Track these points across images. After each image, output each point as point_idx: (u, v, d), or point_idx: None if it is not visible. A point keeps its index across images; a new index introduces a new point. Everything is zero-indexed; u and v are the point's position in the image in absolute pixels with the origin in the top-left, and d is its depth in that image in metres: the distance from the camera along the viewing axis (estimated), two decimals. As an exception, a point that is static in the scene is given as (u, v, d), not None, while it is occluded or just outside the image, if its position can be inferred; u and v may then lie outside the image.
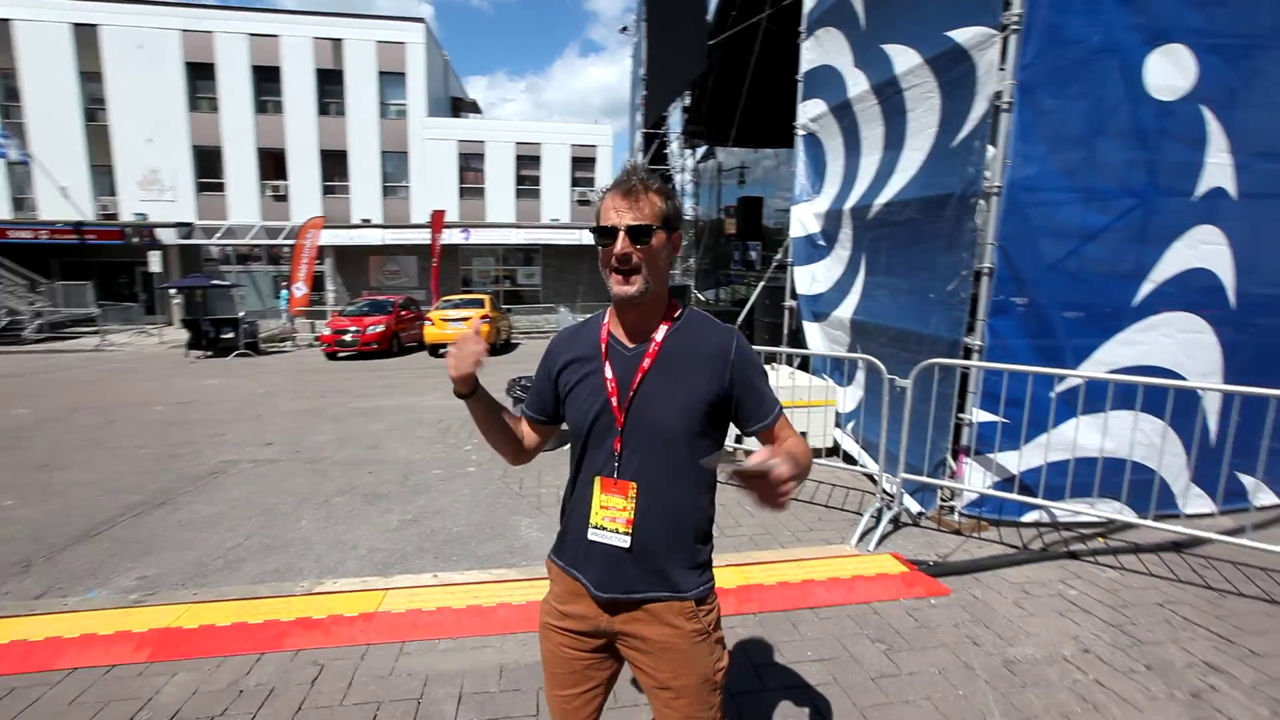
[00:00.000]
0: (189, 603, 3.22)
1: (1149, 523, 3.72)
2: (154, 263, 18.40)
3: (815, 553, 3.78)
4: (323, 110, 24.22)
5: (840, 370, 5.80)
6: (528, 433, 1.57)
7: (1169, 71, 3.98)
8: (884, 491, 4.25)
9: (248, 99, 23.60)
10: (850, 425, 5.64)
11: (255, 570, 3.68)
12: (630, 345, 1.38)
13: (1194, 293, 4.19)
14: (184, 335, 15.75)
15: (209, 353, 15.09)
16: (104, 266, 22.90)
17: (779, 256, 8.12)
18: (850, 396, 5.59)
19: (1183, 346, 4.20)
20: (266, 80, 23.77)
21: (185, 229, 23.09)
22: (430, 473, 5.52)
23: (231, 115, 23.52)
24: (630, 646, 1.41)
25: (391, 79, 24.57)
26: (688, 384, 1.33)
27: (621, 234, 1.27)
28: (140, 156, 23.16)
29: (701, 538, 1.41)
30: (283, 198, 24.24)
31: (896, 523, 4.18)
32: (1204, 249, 4.18)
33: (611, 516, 1.35)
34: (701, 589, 1.39)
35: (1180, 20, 3.97)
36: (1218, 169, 4.12)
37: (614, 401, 1.35)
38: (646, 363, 1.35)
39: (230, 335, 14.97)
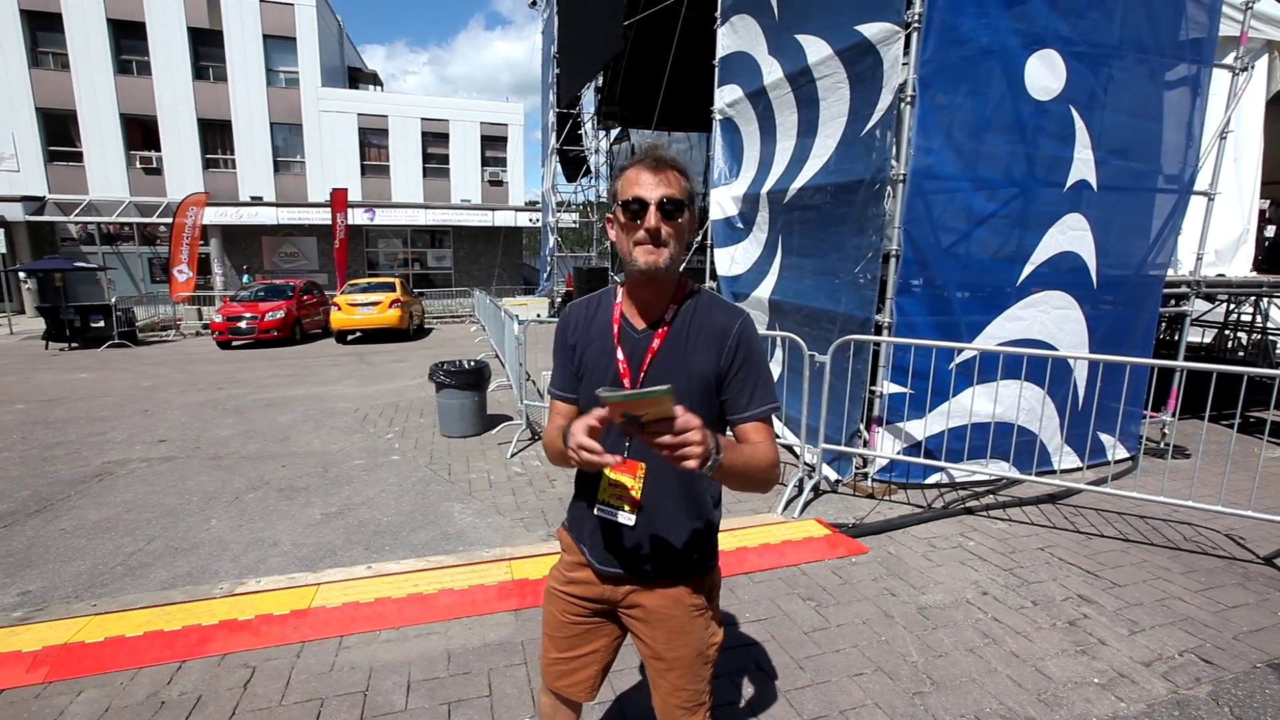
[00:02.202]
0: (90, 615, 2.94)
1: (1031, 478, 4.22)
2: (-4, 242, 16.16)
3: (746, 522, 3.99)
4: (199, 74, 21.93)
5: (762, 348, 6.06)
6: (566, 412, 1.46)
7: (1044, 74, 4.41)
8: (805, 462, 4.53)
9: (105, 57, 20.88)
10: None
11: (163, 575, 3.41)
12: (641, 326, 1.37)
13: (1064, 273, 4.72)
14: (41, 325, 13.99)
15: (74, 344, 13.50)
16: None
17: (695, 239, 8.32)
18: (770, 374, 5.86)
19: (1056, 321, 4.74)
20: (128, 37, 21.13)
21: (34, 204, 20.35)
22: (351, 463, 5.28)
23: (86, 75, 20.76)
24: (630, 615, 1.45)
25: (279, 43, 22.58)
26: (692, 365, 1.33)
27: (653, 207, 1.25)
28: (-33, 118, 20.09)
29: (706, 518, 1.42)
30: (156, 171, 21.81)
31: (817, 490, 4.48)
32: (1072, 234, 4.71)
33: (619, 494, 1.36)
34: (702, 566, 1.42)
35: (1052, 28, 4.40)
36: (1083, 163, 4.63)
37: (625, 383, 1.35)
38: (656, 343, 1.35)
39: (100, 324, 13.44)
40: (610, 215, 1.34)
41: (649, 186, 1.26)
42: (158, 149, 21.81)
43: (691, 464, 1.05)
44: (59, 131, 21.11)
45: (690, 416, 1.03)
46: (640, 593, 1.42)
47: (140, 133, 21.81)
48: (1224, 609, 3.05)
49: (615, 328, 1.39)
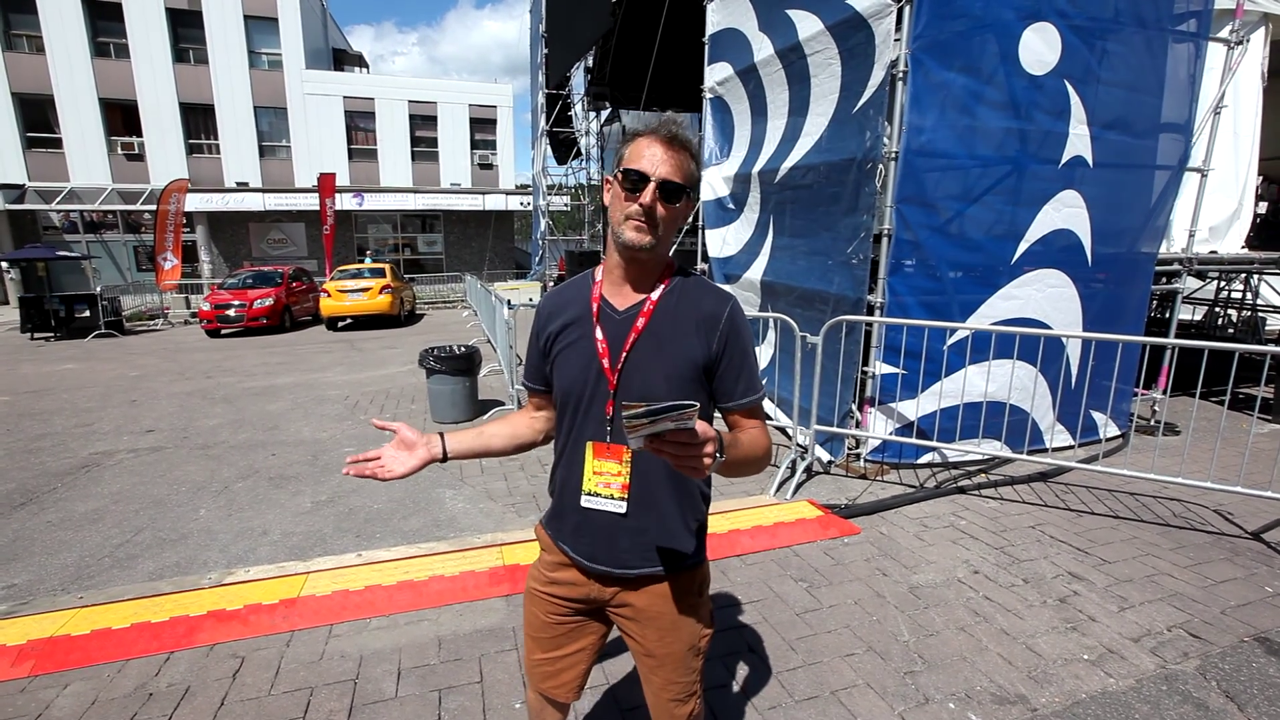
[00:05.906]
0: (75, 608, 2.91)
1: (1023, 457, 4.21)
2: (-24, 232, 15.85)
3: (738, 504, 3.98)
4: (179, 57, 21.47)
5: (753, 331, 6.03)
6: (537, 405, 1.50)
7: (1039, 48, 4.33)
8: (798, 444, 4.52)
9: (82, 39, 20.40)
10: (764, 383, 5.91)
11: (151, 566, 3.38)
12: (623, 307, 1.31)
13: (1059, 251, 4.69)
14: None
15: (59, 334, 13.33)
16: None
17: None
18: (763, 356, 5.84)
19: (1051, 300, 4.71)
20: (104, 18, 20.61)
21: (14, 192, 19.99)
22: (341, 451, 5.24)
23: (63, 58, 20.27)
24: (620, 614, 1.40)
25: (261, 24, 22.10)
26: (677, 349, 1.28)
27: (653, 185, 1.20)
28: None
29: (696, 501, 1.37)
30: (138, 157, 21.43)
31: (810, 471, 4.47)
32: (1067, 211, 4.66)
33: (606, 482, 1.30)
34: (692, 560, 1.38)
35: (1048, 0, 4.32)
36: (1078, 139, 4.58)
37: (605, 363, 1.29)
38: (641, 322, 1.29)
39: (86, 313, 13.26)
40: (610, 177, 1.28)
41: (655, 162, 1.21)
42: (139, 134, 21.41)
43: (700, 474, 1.04)
44: (36, 117, 20.67)
45: (708, 428, 1.02)
46: (629, 592, 1.37)
47: (121, 118, 21.39)
48: (1212, 584, 3.07)
49: (595, 307, 1.33)
